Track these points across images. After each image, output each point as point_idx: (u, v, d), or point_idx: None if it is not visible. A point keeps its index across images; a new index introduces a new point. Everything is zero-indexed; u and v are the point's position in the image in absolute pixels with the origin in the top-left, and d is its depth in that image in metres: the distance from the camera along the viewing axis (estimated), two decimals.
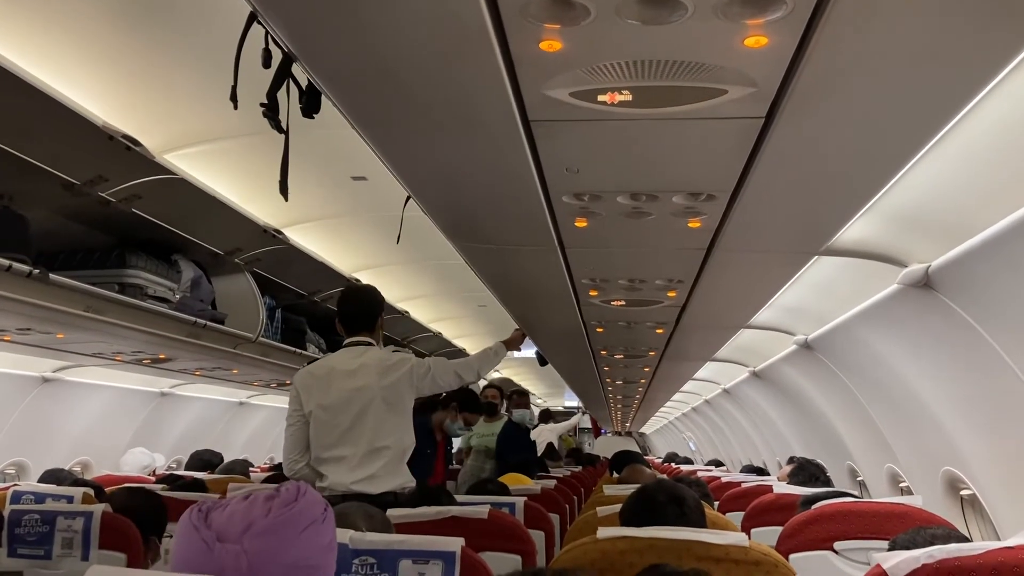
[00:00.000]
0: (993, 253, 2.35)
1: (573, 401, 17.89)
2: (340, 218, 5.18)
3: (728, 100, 1.52)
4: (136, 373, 5.71)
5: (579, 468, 7.56)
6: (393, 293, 6.29)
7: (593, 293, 3.27)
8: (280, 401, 8.37)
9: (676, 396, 9.45)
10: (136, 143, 3.27)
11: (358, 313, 3.62)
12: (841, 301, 3.61)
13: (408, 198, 2.56)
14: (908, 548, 1.76)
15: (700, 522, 2.04)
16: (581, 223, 2.31)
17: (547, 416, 10.78)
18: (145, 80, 3.22)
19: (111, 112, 3.17)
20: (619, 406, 10.02)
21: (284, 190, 1.86)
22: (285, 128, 1.79)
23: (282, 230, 4.70)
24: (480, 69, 1.39)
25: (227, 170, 4.01)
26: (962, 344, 2.85)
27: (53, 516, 2.63)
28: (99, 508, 2.66)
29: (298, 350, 5.83)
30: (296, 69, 1.73)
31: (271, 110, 1.73)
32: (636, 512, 2.10)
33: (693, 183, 2.00)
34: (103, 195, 3.55)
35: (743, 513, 3.41)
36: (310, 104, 1.86)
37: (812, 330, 4.14)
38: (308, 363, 4.36)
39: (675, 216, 2.25)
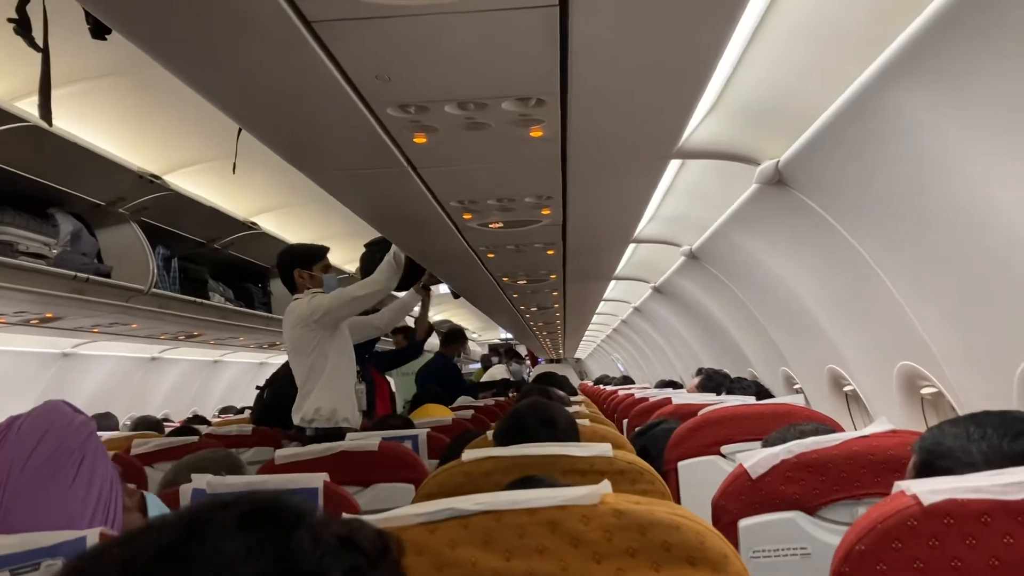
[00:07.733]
0: (832, 141, 2.34)
1: (509, 334, 17.97)
2: (228, 160, 5.00)
3: None
4: (32, 335, 5.54)
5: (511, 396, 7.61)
6: (305, 234, 6.11)
7: (467, 216, 3.21)
8: (199, 355, 8.20)
9: (597, 319, 9.53)
10: None
11: (280, 278, 4.13)
12: (716, 207, 3.60)
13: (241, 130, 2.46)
14: (777, 445, 1.79)
15: (573, 441, 2.03)
16: (420, 139, 2.23)
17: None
18: None
19: None
20: (544, 333, 10.06)
21: (46, 115, 1.73)
22: (43, 46, 1.68)
23: (162, 175, 4.53)
24: None
25: (89, 115, 3.83)
26: (821, 239, 2.87)
27: None
28: None
29: (200, 300, 5.70)
30: None
31: (22, 26, 1.61)
32: (508, 435, 2.09)
33: (515, 86, 1.93)
34: None
35: None
36: (98, 24, 1.75)
37: (696, 239, 4.15)
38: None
39: (513, 125, 2.18)
